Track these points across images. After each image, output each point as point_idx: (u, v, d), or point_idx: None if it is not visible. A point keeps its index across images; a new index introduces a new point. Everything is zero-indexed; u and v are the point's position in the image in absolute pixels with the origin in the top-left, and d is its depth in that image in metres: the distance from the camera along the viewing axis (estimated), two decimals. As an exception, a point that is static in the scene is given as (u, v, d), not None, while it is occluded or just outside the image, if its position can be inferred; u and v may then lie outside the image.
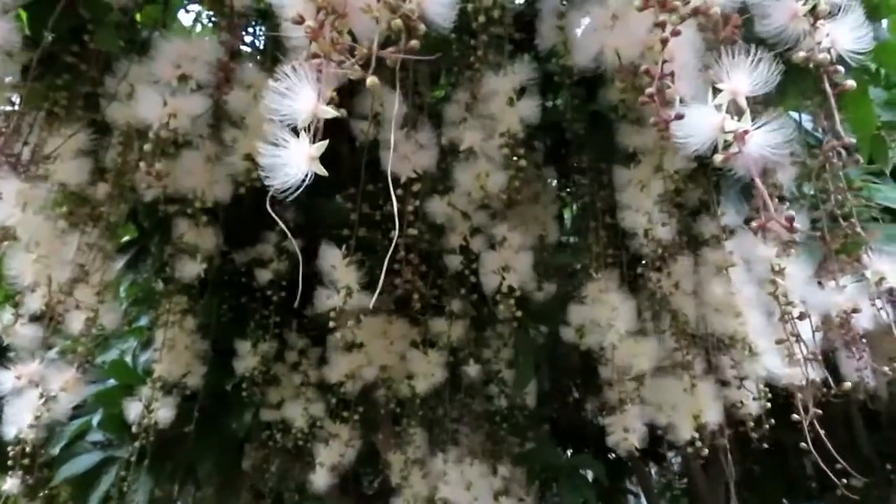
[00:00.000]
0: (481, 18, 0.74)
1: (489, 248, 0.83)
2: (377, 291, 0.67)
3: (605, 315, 0.80)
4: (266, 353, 0.99)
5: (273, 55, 0.81)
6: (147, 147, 0.69)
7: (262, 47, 0.97)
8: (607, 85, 0.81)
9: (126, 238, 1.11)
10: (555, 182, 1.17)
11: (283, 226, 0.49)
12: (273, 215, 0.44)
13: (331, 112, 0.36)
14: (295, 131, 0.37)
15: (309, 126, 0.36)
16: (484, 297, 0.89)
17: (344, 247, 0.77)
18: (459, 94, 0.82)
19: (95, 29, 0.76)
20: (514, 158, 0.75)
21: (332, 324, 0.74)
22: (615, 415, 0.82)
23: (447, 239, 0.85)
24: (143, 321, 1.20)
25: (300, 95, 0.36)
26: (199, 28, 1.02)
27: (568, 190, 1.21)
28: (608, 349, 0.80)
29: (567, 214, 1.28)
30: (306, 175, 0.35)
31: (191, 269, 0.87)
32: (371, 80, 0.36)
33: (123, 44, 0.79)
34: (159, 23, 0.89)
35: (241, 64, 0.76)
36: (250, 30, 0.97)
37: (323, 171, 0.36)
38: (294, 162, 0.36)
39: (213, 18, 0.96)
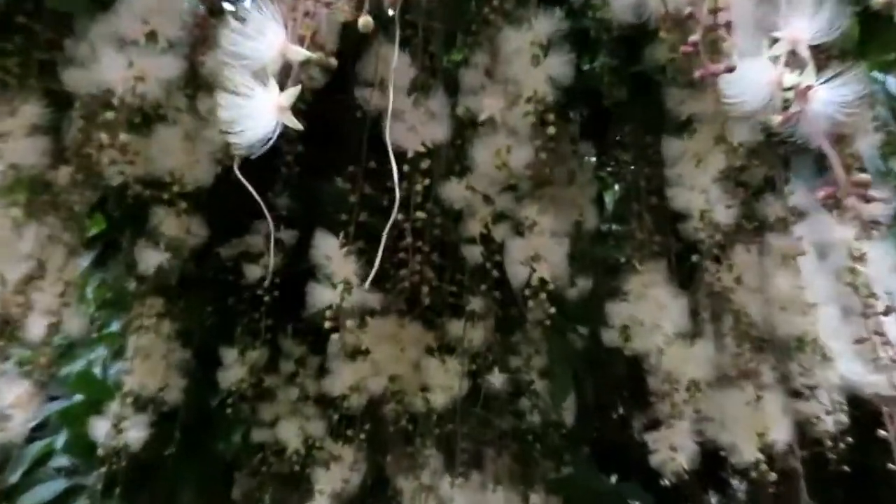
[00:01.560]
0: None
1: (516, 235, 0.83)
2: (370, 281, 0.70)
3: (650, 314, 0.80)
4: (256, 362, 1.00)
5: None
6: (110, 115, 0.70)
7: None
8: (653, 42, 0.81)
9: (93, 232, 1.13)
10: (593, 159, 1.18)
11: (268, 215, 0.49)
12: (260, 202, 0.44)
13: (303, 52, 0.35)
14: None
15: (280, 72, 0.36)
16: (511, 293, 0.90)
17: (341, 234, 0.77)
18: (478, 57, 0.82)
19: (57, -14, 0.78)
20: (544, 128, 0.75)
21: (328, 324, 0.74)
22: (659, 430, 0.82)
23: (465, 226, 0.86)
24: (114, 327, 1.22)
25: (266, 35, 0.35)
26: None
27: (609, 169, 1.22)
28: (654, 354, 0.80)
29: (608, 198, 1.28)
30: (275, 129, 0.35)
31: (154, 259, 0.87)
32: (364, 20, 0.36)
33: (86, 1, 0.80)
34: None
35: (221, 21, 0.76)
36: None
37: (296, 124, 0.36)
38: (261, 113, 0.35)
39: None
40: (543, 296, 0.80)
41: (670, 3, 0.57)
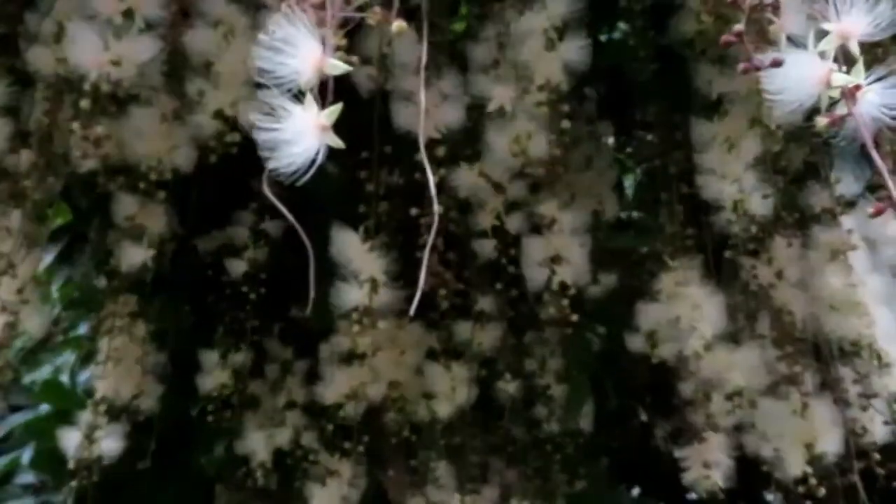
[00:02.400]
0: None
1: (533, 232, 0.84)
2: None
3: (685, 315, 0.81)
4: (240, 366, 1.02)
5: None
6: (83, 104, 0.71)
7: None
8: (679, 13, 0.82)
9: (57, 223, 1.14)
10: (611, 140, 1.19)
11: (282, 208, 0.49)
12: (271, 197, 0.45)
13: (341, 65, 0.36)
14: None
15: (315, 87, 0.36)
16: (524, 291, 0.91)
17: (362, 228, 0.79)
18: (489, 30, 0.83)
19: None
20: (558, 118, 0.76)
21: (356, 328, 0.76)
22: (692, 445, 0.84)
23: (475, 218, 0.87)
24: (83, 329, 1.23)
25: (299, 48, 0.36)
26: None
27: (629, 151, 1.22)
28: (691, 360, 0.81)
29: (627, 182, 1.29)
30: (318, 150, 0.36)
31: (136, 256, 0.88)
32: (398, 24, 0.37)
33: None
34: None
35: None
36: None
37: (339, 143, 0.36)
38: (301, 135, 0.36)
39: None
40: (565, 301, 0.81)
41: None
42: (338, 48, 0.37)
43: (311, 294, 0.70)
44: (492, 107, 0.79)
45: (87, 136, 0.71)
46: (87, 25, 0.71)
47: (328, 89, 0.37)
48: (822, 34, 0.36)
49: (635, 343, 0.88)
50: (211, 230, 1.03)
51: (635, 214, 1.23)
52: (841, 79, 0.33)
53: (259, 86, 0.79)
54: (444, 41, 0.87)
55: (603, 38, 1.10)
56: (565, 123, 0.77)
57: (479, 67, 0.83)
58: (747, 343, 0.85)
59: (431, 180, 0.52)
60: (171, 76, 0.80)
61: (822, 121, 0.35)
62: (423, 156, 0.47)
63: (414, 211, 0.83)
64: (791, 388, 0.81)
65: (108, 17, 0.72)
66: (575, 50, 0.76)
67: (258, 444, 1.04)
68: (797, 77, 0.35)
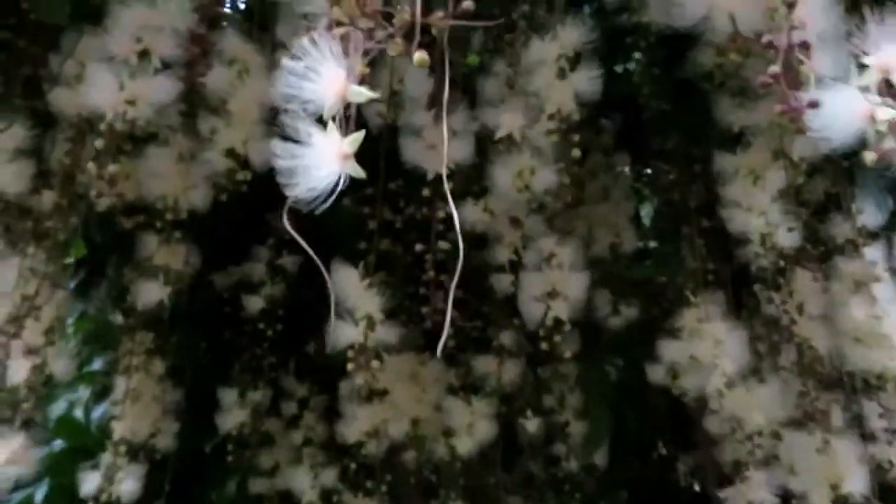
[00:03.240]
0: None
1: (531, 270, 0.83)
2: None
3: (706, 351, 0.80)
4: (258, 404, 1.01)
5: (262, 20, 0.82)
6: (98, 144, 0.71)
7: (245, 8, 0.99)
8: (697, 45, 0.82)
9: (72, 258, 1.14)
10: (627, 169, 1.18)
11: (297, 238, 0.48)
12: (289, 229, 0.44)
13: (365, 93, 0.35)
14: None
15: (338, 114, 0.36)
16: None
17: (361, 264, 0.78)
18: (500, 65, 0.83)
19: (38, -5, 0.79)
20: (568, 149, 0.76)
21: (350, 366, 0.75)
22: (735, 484, 0.82)
23: (493, 252, 0.86)
24: (97, 364, 1.22)
25: (323, 74, 0.35)
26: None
27: (645, 180, 1.22)
28: (713, 397, 0.80)
29: (644, 211, 1.29)
30: (339, 179, 0.35)
31: (154, 295, 0.88)
32: (419, 56, 0.36)
33: (72, 12, 0.81)
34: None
35: (220, 34, 0.77)
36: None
37: (361, 173, 0.36)
38: (322, 163, 0.35)
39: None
40: (558, 337, 0.80)
41: (740, 20, 0.57)
42: (360, 76, 0.36)
43: (329, 330, 0.70)
44: (500, 134, 0.79)
45: (101, 174, 0.70)
46: (105, 66, 0.72)
47: (350, 118, 0.37)
48: (861, 67, 0.35)
49: (656, 375, 0.87)
50: (228, 266, 1.02)
51: (653, 244, 1.22)
52: (887, 113, 0.33)
53: (276, 115, 0.80)
54: (455, 76, 0.87)
55: (618, 68, 1.11)
56: (575, 153, 0.77)
57: (489, 100, 0.83)
58: (770, 378, 0.84)
59: (455, 214, 0.51)
60: (187, 115, 0.80)
61: (870, 156, 0.34)
62: (446, 189, 0.46)
63: (419, 247, 0.83)
64: (815, 424, 0.79)
65: (125, 58, 0.72)
66: (586, 80, 0.76)
67: (274, 482, 1.04)
68: (840, 114, 0.34)
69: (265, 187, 0.83)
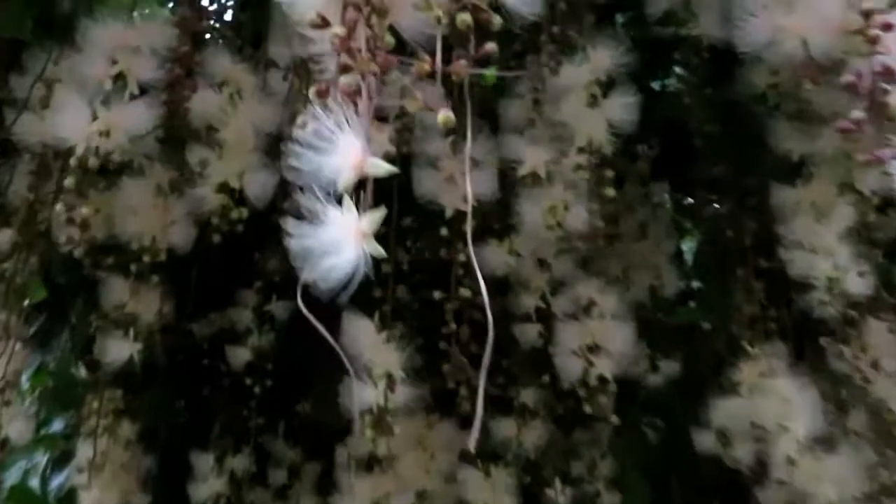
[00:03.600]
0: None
1: (569, 317, 0.83)
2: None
3: (772, 412, 0.79)
4: (239, 471, 1.00)
5: (255, 36, 0.82)
6: (69, 182, 0.71)
7: (233, 22, 1.00)
8: (749, 63, 0.82)
9: (30, 301, 1.13)
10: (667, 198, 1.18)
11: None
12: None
13: (385, 166, 0.35)
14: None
15: (355, 188, 0.36)
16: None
17: (377, 315, 0.78)
18: (523, 86, 0.84)
19: (-5, 8, 0.79)
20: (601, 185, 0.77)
21: (368, 433, 0.75)
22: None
23: (517, 299, 0.86)
24: (57, 426, 1.21)
25: (338, 144, 0.35)
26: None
27: (689, 210, 1.21)
28: (781, 466, 0.78)
29: (686, 245, 1.28)
30: (359, 262, 0.35)
31: (123, 349, 0.86)
32: (445, 115, 0.36)
33: (34, 26, 0.82)
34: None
35: (206, 52, 0.77)
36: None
37: (381, 252, 0.36)
38: (340, 244, 0.35)
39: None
40: (604, 397, 0.80)
41: (813, 45, 0.57)
42: (376, 143, 0.36)
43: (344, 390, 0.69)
44: (523, 171, 0.79)
45: (72, 217, 0.70)
46: (75, 91, 0.72)
47: (369, 191, 0.37)
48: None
49: (704, 442, 0.87)
50: (209, 313, 1.02)
51: (696, 284, 1.22)
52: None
53: (275, 144, 0.80)
54: (473, 99, 0.87)
55: (656, 86, 1.11)
56: (609, 191, 0.77)
57: (512, 127, 0.83)
58: (840, 445, 0.82)
59: (473, 257, 0.52)
60: (167, 143, 0.80)
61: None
62: (468, 228, 0.45)
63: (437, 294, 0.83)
64: (894, 500, 0.78)
65: (98, 81, 0.72)
66: (621, 108, 0.76)
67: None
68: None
69: (252, 223, 0.84)
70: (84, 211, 0.70)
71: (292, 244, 0.35)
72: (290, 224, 0.35)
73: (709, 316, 1.08)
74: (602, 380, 0.81)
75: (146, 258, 0.82)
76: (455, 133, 0.80)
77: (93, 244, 0.84)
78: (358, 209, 0.36)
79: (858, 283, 0.77)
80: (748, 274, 0.88)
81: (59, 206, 0.70)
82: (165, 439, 1.03)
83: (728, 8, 0.74)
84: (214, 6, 0.94)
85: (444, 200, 0.79)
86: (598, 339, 0.82)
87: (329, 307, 0.46)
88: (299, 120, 0.37)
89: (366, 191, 0.36)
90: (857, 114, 0.36)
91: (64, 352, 1.11)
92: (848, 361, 0.81)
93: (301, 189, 0.35)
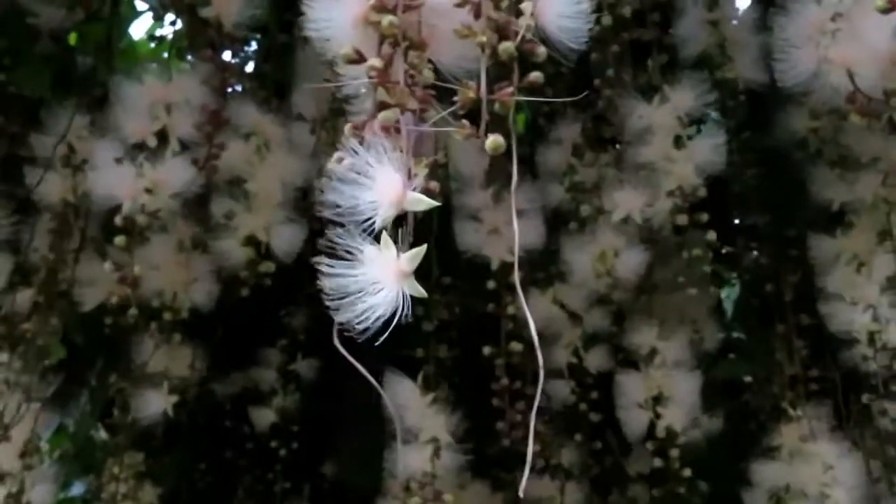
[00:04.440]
0: (606, 21, 0.79)
1: (626, 366, 0.84)
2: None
3: (813, 478, 0.79)
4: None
5: (278, 86, 0.84)
6: (119, 241, 0.73)
7: (257, 74, 1.03)
8: (789, 106, 0.83)
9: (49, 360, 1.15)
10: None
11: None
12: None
13: (426, 200, 0.35)
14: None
15: (393, 224, 0.36)
16: (609, 442, 0.90)
17: (420, 376, 0.79)
18: (565, 131, 0.86)
19: (15, 64, 0.81)
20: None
21: (415, 501, 0.75)
22: None
23: (549, 353, 0.87)
24: (77, 489, 1.22)
25: (377, 179, 0.35)
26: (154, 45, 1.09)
27: (728, 259, 1.22)
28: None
29: (725, 293, 1.28)
30: (399, 302, 0.35)
31: (156, 404, 0.88)
32: (493, 140, 0.36)
33: (54, 83, 0.84)
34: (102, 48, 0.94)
35: (232, 105, 0.80)
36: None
37: (422, 292, 0.35)
38: (379, 284, 0.35)
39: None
40: (676, 451, 0.81)
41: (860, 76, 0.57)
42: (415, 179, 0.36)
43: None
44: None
45: (124, 277, 0.73)
46: (112, 148, 0.75)
47: (409, 229, 0.37)
48: None
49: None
50: (231, 372, 1.03)
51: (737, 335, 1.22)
52: None
53: (303, 197, 0.81)
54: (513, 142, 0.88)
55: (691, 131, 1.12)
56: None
57: (554, 173, 0.85)
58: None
59: (527, 311, 0.52)
60: (191, 200, 0.81)
61: None
62: (516, 279, 0.45)
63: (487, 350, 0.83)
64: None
65: (140, 139, 0.75)
66: (709, 150, 0.79)
67: None
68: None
69: (276, 280, 0.86)
70: (136, 270, 0.73)
71: (327, 284, 0.35)
72: (324, 263, 0.35)
73: (751, 369, 1.08)
74: (671, 433, 0.82)
75: (167, 316, 0.83)
76: (495, 181, 0.83)
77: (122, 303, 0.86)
78: (397, 247, 0.35)
79: (902, 336, 0.77)
80: (789, 331, 0.89)
81: (106, 266, 0.73)
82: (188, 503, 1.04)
83: (765, 49, 0.76)
84: (237, 59, 0.96)
85: (489, 252, 0.81)
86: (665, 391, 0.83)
87: (367, 362, 0.47)
88: (335, 155, 0.37)
89: (406, 228, 0.36)
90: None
91: (84, 414, 1.13)
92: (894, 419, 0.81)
93: (338, 226, 0.35)
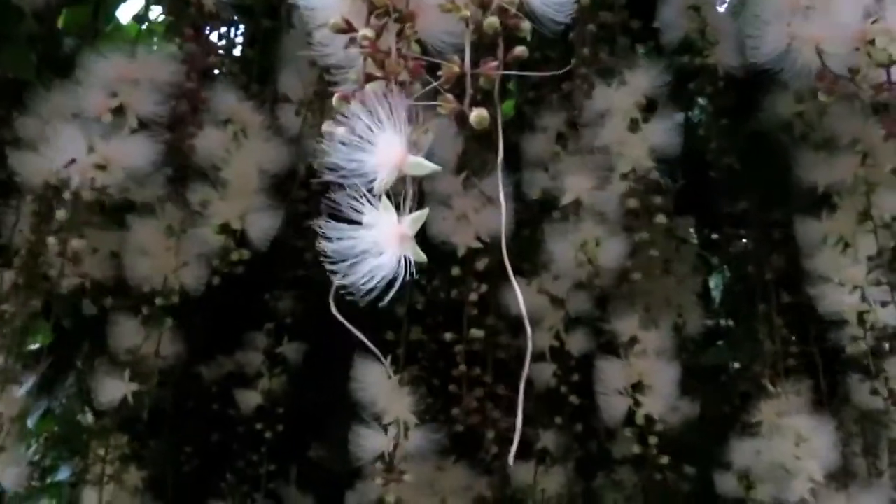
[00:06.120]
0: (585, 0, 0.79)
1: (607, 353, 0.84)
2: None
3: (788, 452, 0.79)
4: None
5: (262, 72, 0.84)
6: (60, 215, 0.73)
7: (241, 58, 1.02)
8: (774, 91, 0.84)
9: (36, 344, 1.15)
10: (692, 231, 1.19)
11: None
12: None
13: (426, 164, 0.35)
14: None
15: (395, 189, 0.36)
16: (593, 426, 0.90)
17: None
18: (549, 119, 0.86)
19: (1, 47, 0.81)
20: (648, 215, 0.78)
21: (378, 480, 0.76)
22: None
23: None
24: (64, 474, 1.23)
25: (377, 143, 0.35)
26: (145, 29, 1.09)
27: (715, 246, 1.22)
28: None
29: (713, 282, 1.28)
30: (400, 265, 0.35)
31: (116, 390, 0.87)
32: (478, 114, 0.37)
33: (39, 65, 0.84)
34: (88, 30, 0.94)
35: (213, 89, 0.80)
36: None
37: (422, 257, 0.35)
38: (380, 246, 0.35)
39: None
40: (654, 438, 0.81)
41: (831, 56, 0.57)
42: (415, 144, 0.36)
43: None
44: (566, 200, 0.81)
45: (62, 252, 0.73)
46: (73, 125, 0.75)
47: (412, 192, 0.37)
48: None
49: (726, 484, 0.87)
50: (218, 355, 1.03)
51: (724, 323, 1.22)
52: None
53: (279, 185, 0.81)
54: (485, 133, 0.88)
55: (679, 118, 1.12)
56: (661, 218, 0.80)
57: (537, 161, 0.85)
58: (866, 486, 0.83)
59: (520, 294, 0.52)
60: (176, 182, 0.82)
61: None
62: (506, 262, 0.45)
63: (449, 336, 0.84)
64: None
65: (97, 115, 0.75)
66: (664, 132, 0.79)
67: None
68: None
69: (262, 264, 0.86)
70: (75, 244, 0.73)
71: (328, 247, 0.35)
72: (325, 225, 0.36)
73: (737, 356, 1.08)
74: (649, 420, 0.82)
75: (159, 301, 0.83)
76: (467, 167, 0.83)
77: (95, 284, 0.86)
78: (398, 211, 0.35)
79: (889, 315, 0.77)
80: (770, 310, 0.89)
81: (51, 240, 0.72)
82: (174, 487, 1.04)
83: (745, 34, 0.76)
84: (223, 42, 0.96)
85: (456, 239, 0.81)
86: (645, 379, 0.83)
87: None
88: (329, 123, 0.37)
89: (406, 192, 0.36)
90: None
91: (70, 397, 1.13)
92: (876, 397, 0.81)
93: (338, 187, 0.36)
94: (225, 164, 0.80)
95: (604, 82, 0.80)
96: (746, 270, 0.97)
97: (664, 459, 0.82)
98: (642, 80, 0.79)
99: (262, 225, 0.80)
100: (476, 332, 0.82)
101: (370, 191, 0.36)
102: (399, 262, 0.35)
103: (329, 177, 0.36)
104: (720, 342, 1.20)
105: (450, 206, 0.82)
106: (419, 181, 0.81)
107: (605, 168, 0.80)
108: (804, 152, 0.83)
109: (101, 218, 0.80)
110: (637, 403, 0.82)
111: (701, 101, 1.08)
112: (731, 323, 1.21)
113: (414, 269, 0.35)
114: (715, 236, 1.18)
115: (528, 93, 0.98)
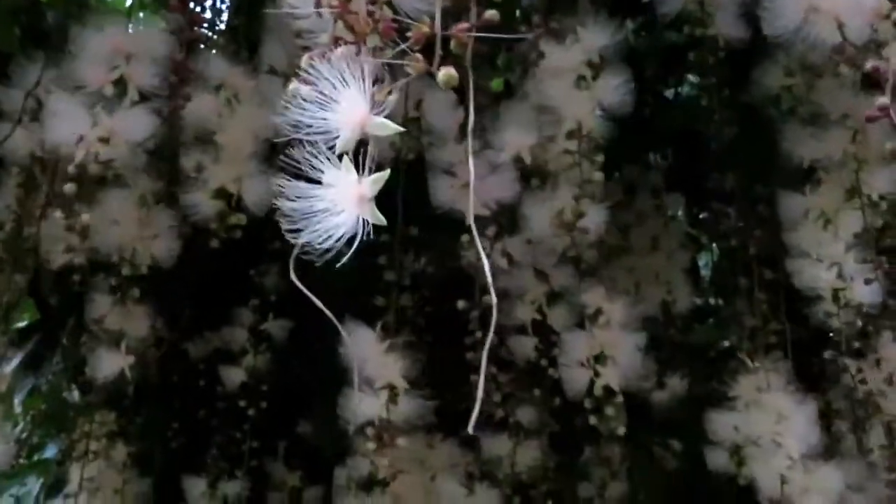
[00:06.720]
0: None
1: (576, 326, 0.84)
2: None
3: (765, 428, 0.80)
4: (235, 495, 1.00)
5: (249, 41, 0.84)
6: (68, 189, 0.73)
7: (229, 28, 1.02)
8: (764, 64, 0.83)
9: (21, 322, 1.15)
10: (681, 212, 1.19)
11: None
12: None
13: (390, 125, 0.35)
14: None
15: (356, 148, 0.35)
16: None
17: (379, 325, 0.79)
18: (530, 85, 0.85)
19: (-17, 19, 0.81)
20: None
21: (371, 445, 0.76)
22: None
23: (513, 310, 0.87)
24: (51, 451, 1.23)
25: (341, 102, 0.35)
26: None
27: (703, 218, 1.22)
28: (774, 483, 0.78)
29: (702, 261, 1.28)
30: (358, 226, 0.35)
31: (112, 364, 0.87)
32: (446, 73, 0.36)
33: (22, 38, 0.84)
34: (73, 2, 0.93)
35: (202, 57, 0.79)
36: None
37: (381, 219, 0.35)
38: (339, 205, 0.35)
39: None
40: (612, 409, 0.80)
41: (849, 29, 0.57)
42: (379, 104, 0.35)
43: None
44: (504, 157, 0.79)
45: (72, 226, 0.72)
46: (70, 98, 0.74)
47: (373, 153, 0.36)
48: None
49: (717, 460, 0.86)
50: (203, 332, 1.03)
51: (713, 301, 1.22)
52: None
53: (273, 149, 0.81)
54: (486, 103, 0.88)
55: (669, 94, 1.12)
56: (597, 176, 0.78)
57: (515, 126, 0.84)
58: (852, 463, 0.83)
59: (487, 265, 0.50)
60: (155, 152, 0.81)
61: None
62: (474, 234, 0.45)
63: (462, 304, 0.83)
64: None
65: (98, 88, 0.74)
66: (609, 89, 0.77)
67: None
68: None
69: (247, 237, 0.85)
70: (85, 218, 0.73)
71: (284, 204, 0.35)
72: (285, 183, 0.35)
73: (724, 334, 1.08)
74: (609, 391, 0.81)
75: (125, 271, 0.83)
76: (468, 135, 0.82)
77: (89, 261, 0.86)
78: (360, 173, 0.35)
79: (867, 293, 0.77)
80: (752, 285, 0.88)
81: (57, 214, 0.72)
82: (160, 463, 1.04)
83: (744, 6, 0.76)
84: (209, 13, 0.96)
85: (459, 206, 0.79)
86: (607, 350, 0.82)
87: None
88: (295, 81, 0.36)
89: (367, 153, 0.35)
90: (883, 101, 0.37)
91: (56, 374, 1.13)
92: (862, 376, 0.81)
93: (300, 144, 0.35)
94: (219, 128, 0.79)
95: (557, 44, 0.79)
96: (733, 247, 0.97)
97: (621, 430, 0.82)
98: (594, 39, 0.78)
99: (259, 189, 0.79)
100: (487, 299, 0.81)
101: (331, 149, 0.35)
102: (357, 221, 0.35)
103: (293, 135, 0.36)
104: (710, 320, 1.21)
105: (454, 175, 0.81)
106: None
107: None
108: (792, 126, 0.82)
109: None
110: (597, 374, 0.81)
111: (692, 77, 1.08)
112: (720, 301, 1.21)
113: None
114: (704, 215, 1.18)
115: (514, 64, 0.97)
